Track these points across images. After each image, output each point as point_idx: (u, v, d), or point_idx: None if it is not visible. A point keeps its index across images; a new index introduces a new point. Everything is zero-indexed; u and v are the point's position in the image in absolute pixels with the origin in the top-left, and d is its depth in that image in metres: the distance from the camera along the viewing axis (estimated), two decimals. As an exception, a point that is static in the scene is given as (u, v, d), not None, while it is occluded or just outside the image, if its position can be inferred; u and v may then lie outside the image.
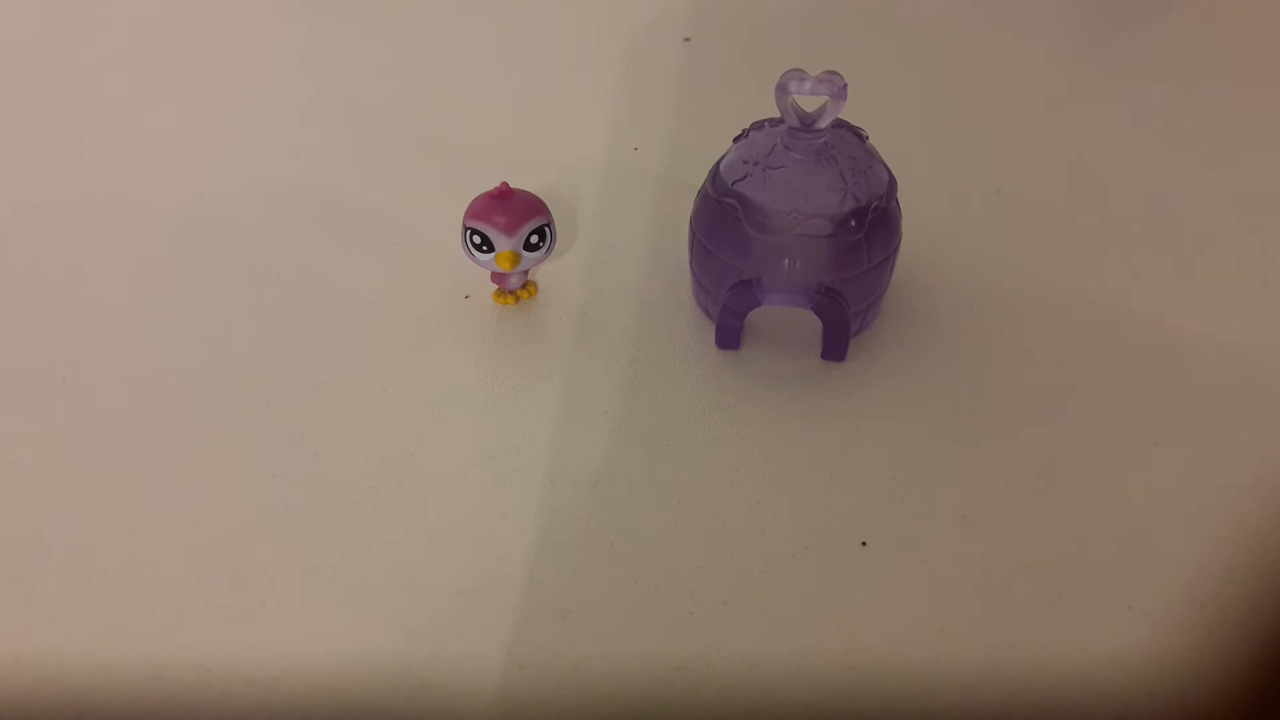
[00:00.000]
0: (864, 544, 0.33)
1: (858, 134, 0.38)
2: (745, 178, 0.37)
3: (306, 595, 0.32)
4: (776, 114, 0.39)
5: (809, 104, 0.37)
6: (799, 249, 0.36)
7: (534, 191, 0.40)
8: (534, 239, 0.39)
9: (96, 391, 0.38)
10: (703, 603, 0.31)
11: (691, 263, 0.41)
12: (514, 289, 0.42)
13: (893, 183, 0.38)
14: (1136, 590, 0.32)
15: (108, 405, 0.38)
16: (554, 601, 0.31)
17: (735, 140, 0.39)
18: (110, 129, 0.53)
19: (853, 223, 0.36)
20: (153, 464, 0.36)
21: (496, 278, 0.42)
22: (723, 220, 0.38)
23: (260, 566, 0.33)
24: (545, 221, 0.39)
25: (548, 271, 0.43)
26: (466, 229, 0.39)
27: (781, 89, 0.36)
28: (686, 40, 0.60)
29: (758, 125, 0.39)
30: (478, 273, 0.42)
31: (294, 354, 0.40)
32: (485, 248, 0.39)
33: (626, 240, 0.45)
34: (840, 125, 0.38)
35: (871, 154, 0.38)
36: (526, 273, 0.42)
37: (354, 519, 0.34)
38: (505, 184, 0.38)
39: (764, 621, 0.31)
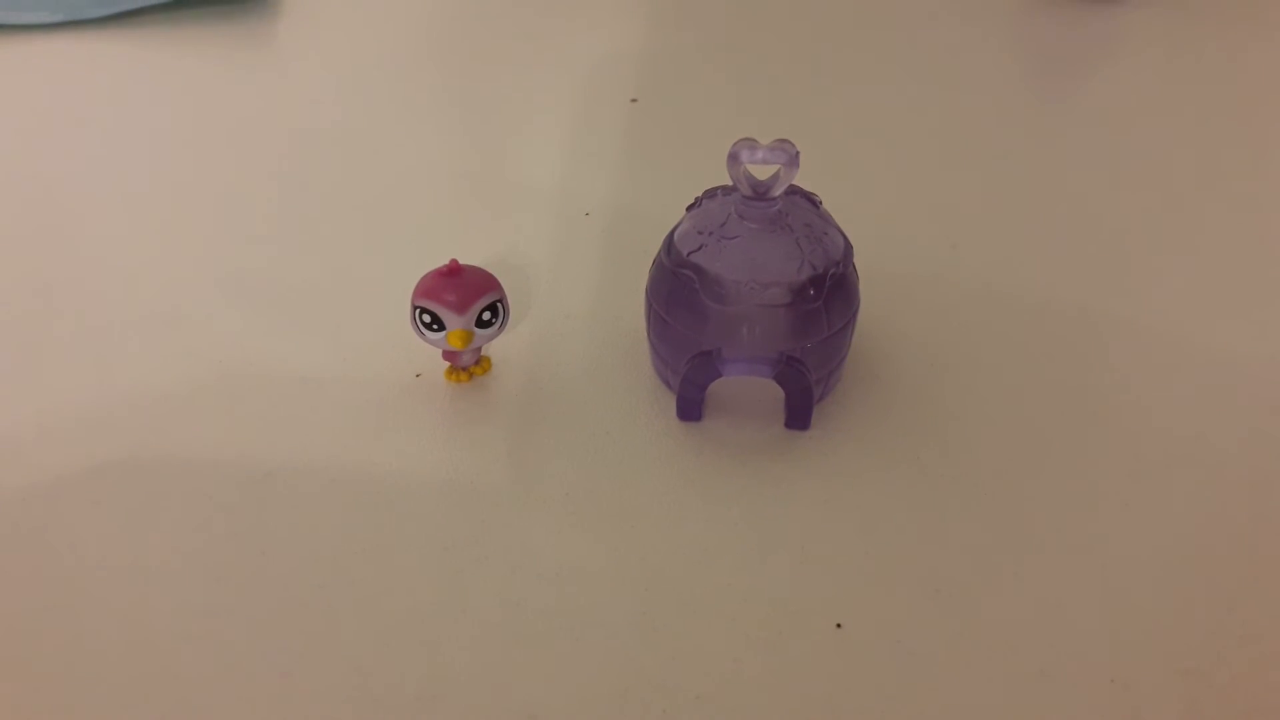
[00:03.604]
0: (839, 626, 0.32)
1: (811, 200, 0.38)
2: (701, 248, 0.36)
3: (255, 707, 0.30)
4: (728, 177, 0.38)
5: (761, 171, 0.37)
6: (758, 318, 0.36)
7: (485, 262, 0.39)
8: (486, 315, 0.38)
9: (33, 487, 0.36)
10: (675, 699, 0.30)
11: (649, 333, 0.40)
12: (467, 365, 0.41)
13: (849, 248, 0.38)
14: (1117, 662, 0.31)
15: (46, 504, 0.36)
16: (518, 706, 0.30)
17: (689, 209, 0.39)
18: (34, 200, 0.51)
19: (811, 291, 0.36)
20: (90, 568, 0.34)
21: (448, 355, 0.40)
22: (679, 291, 0.37)
23: (204, 678, 0.31)
24: (498, 297, 0.38)
25: (501, 345, 0.42)
26: (415, 308, 0.38)
27: (733, 158, 0.35)
28: (633, 101, 0.60)
29: (710, 193, 0.39)
30: (428, 350, 0.40)
31: (237, 442, 0.38)
32: (436, 326, 0.38)
33: (582, 310, 0.44)
34: (794, 191, 0.38)
35: (826, 220, 0.38)
36: (479, 349, 0.41)
37: (304, 621, 0.32)
38: (454, 261, 0.37)
39: (740, 716, 0.30)
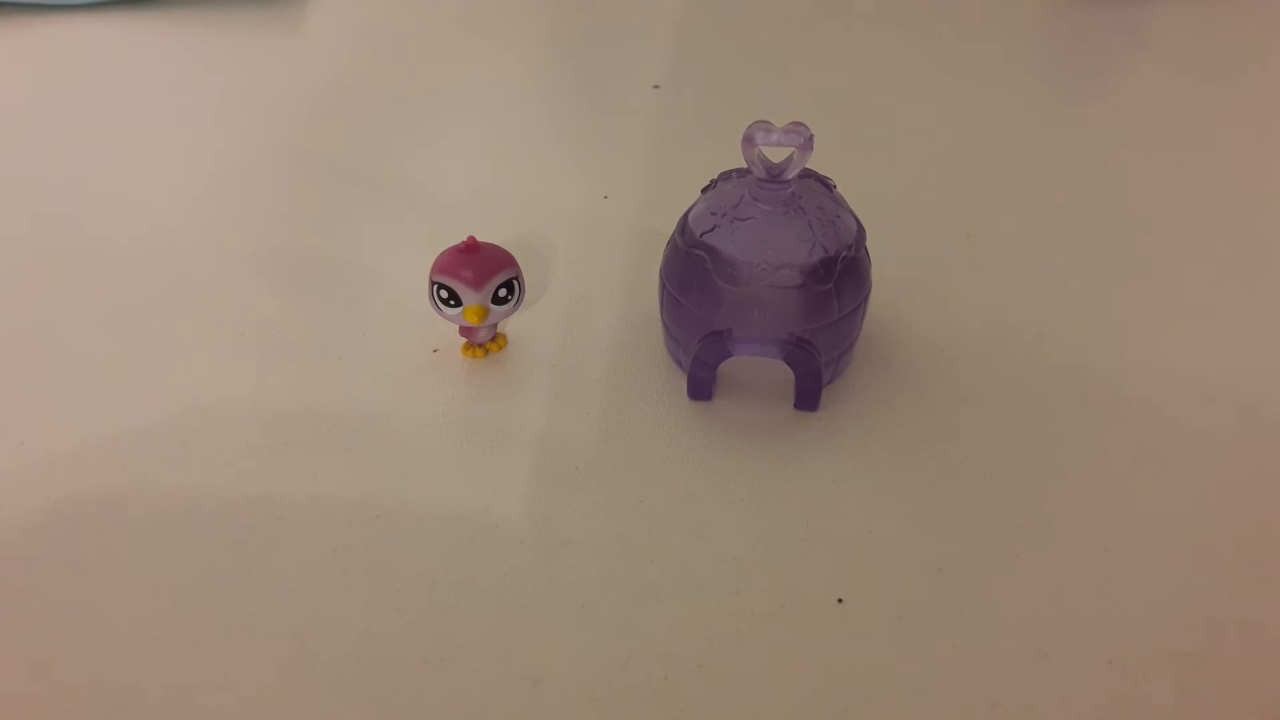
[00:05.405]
0: (840, 600, 0.32)
1: (825, 183, 0.38)
2: (714, 229, 0.37)
3: (270, 666, 0.31)
4: (744, 162, 0.38)
5: (776, 154, 0.37)
6: (769, 300, 0.36)
7: (504, 242, 0.39)
8: (502, 292, 0.39)
9: (53, 454, 0.37)
10: (676, 667, 0.31)
11: (662, 313, 0.41)
12: (483, 342, 0.41)
13: (861, 232, 0.38)
14: (1115, 644, 0.31)
15: (64, 470, 0.37)
16: (523, 671, 0.31)
17: (703, 191, 0.39)
18: (69, 178, 0.53)
19: (821, 273, 0.36)
20: (108, 532, 0.35)
21: (465, 331, 0.41)
22: (692, 271, 0.37)
23: (223, 638, 0.32)
24: (513, 275, 0.39)
25: (518, 323, 0.43)
26: (433, 284, 0.38)
27: (748, 140, 0.35)
28: (656, 87, 0.60)
29: (725, 176, 0.39)
30: (446, 326, 0.41)
31: (256, 411, 0.39)
32: (453, 302, 0.38)
33: (597, 290, 0.45)
34: (808, 175, 0.38)
35: (839, 203, 0.38)
36: (495, 325, 0.41)
37: (319, 585, 0.33)
38: (472, 238, 0.38)
39: (739, 685, 0.30)
